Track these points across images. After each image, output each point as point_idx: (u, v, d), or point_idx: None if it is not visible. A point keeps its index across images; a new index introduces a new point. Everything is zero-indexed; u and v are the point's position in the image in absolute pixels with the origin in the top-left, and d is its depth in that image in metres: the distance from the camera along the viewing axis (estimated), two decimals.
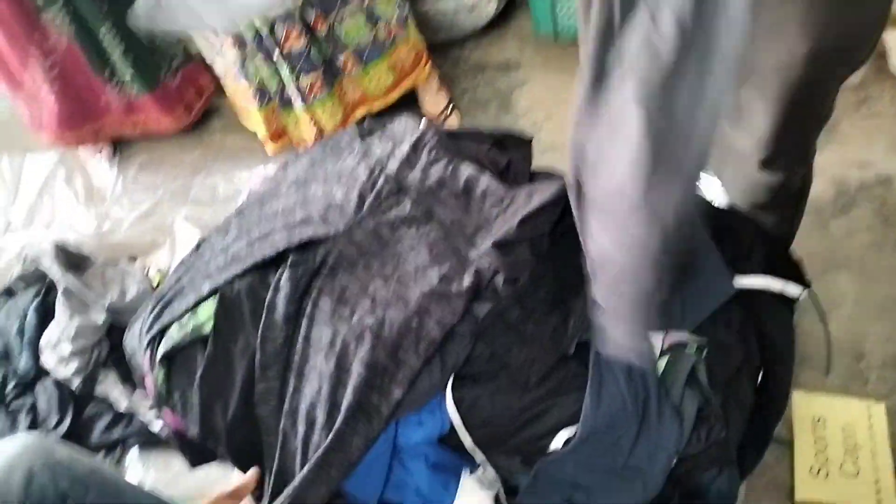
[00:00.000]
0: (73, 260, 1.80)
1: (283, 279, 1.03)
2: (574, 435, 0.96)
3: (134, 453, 1.73)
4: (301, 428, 0.97)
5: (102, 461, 1.24)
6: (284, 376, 0.99)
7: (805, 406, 1.53)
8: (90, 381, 1.73)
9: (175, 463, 1.68)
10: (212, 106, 2.33)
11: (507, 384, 0.99)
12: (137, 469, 1.69)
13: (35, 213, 2.23)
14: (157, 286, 1.76)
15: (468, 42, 2.25)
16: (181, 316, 1.05)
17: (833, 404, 1.53)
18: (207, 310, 1.04)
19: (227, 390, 1.00)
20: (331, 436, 0.93)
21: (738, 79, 1.04)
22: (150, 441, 1.73)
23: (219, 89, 2.22)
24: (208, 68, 2.20)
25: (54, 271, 1.70)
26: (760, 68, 0.97)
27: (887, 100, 1.93)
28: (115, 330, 1.72)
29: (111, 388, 1.72)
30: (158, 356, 1.05)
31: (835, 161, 1.84)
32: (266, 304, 1.03)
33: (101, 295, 1.72)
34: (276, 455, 0.98)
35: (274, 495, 1.01)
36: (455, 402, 0.99)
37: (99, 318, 1.67)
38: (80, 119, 2.19)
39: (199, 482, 1.63)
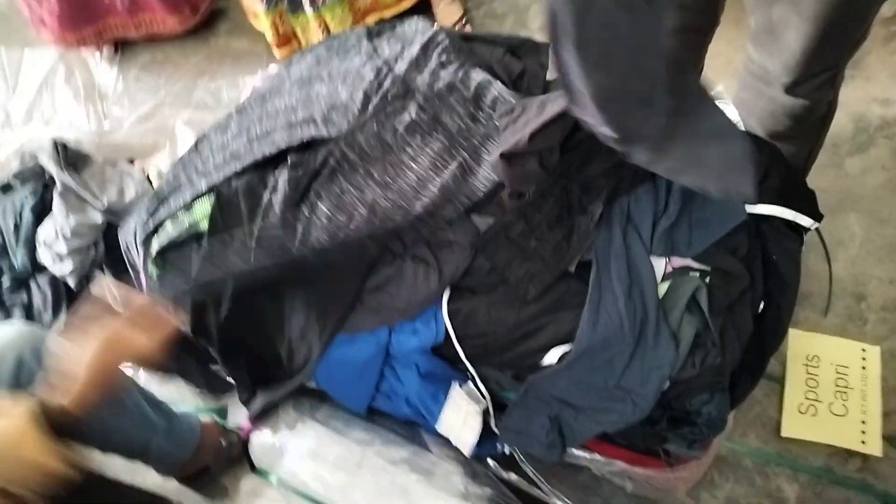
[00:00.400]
0: (72, 158, 1.76)
1: (282, 180, 1.00)
2: (568, 352, 0.95)
3: None
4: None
5: None
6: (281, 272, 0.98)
7: (800, 344, 1.53)
8: (86, 279, 1.73)
9: None
10: (218, 8, 2.25)
11: (505, 298, 0.97)
12: (128, 370, 1.71)
13: (34, 109, 2.18)
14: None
15: None
16: (176, 212, 1.03)
17: (828, 344, 1.52)
18: (204, 207, 1.02)
19: (221, 288, 0.99)
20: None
21: None
22: None
23: None
24: None
25: (52, 168, 1.67)
26: None
27: None
28: (112, 230, 1.70)
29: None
30: (153, 252, 1.03)
31: (857, 96, 1.78)
32: (263, 205, 1.01)
33: (99, 194, 1.69)
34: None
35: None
36: (451, 313, 0.98)
37: (96, 217, 1.65)
38: (82, 19, 2.11)
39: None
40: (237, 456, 1.50)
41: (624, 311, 0.93)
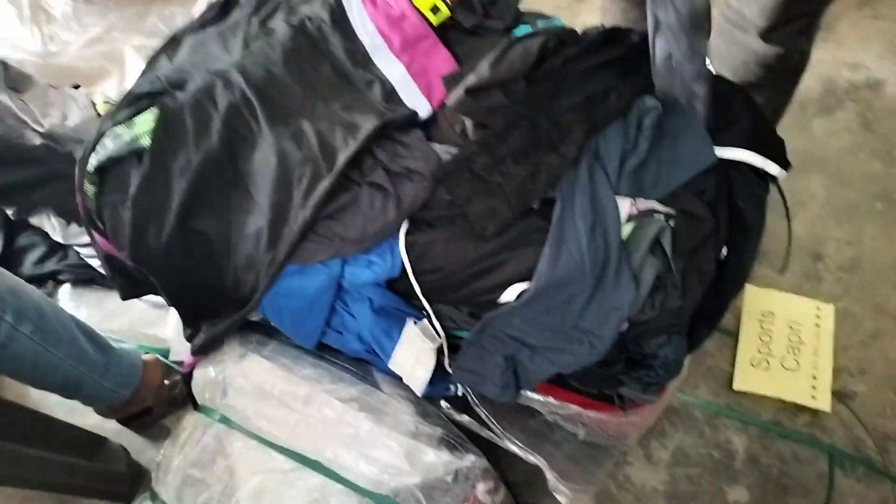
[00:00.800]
0: (14, 77, 1.65)
1: (221, 94, 0.95)
2: (527, 289, 0.92)
3: (66, 290, 1.68)
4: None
5: (26, 283, 1.17)
6: (229, 195, 0.93)
7: (756, 300, 1.54)
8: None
9: (108, 302, 1.63)
10: None
11: (464, 232, 0.93)
12: (69, 306, 1.64)
13: None
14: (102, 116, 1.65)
15: None
16: (118, 123, 0.96)
17: (784, 301, 1.53)
18: (146, 121, 0.95)
19: (162, 209, 0.93)
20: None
21: None
22: (83, 278, 1.66)
23: None
24: None
25: None
26: None
27: (892, 2, 1.84)
28: (53, 156, 1.61)
29: (46, 218, 1.63)
30: (90, 168, 0.96)
31: (827, 60, 1.78)
32: (210, 123, 0.95)
33: (40, 117, 1.59)
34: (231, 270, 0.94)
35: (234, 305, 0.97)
36: (407, 246, 0.94)
37: (35, 140, 1.55)
38: None
39: (132, 321, 1.59)
40: (180, 397, 1.45)
41: (586, 250, 0.90)
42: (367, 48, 1.03)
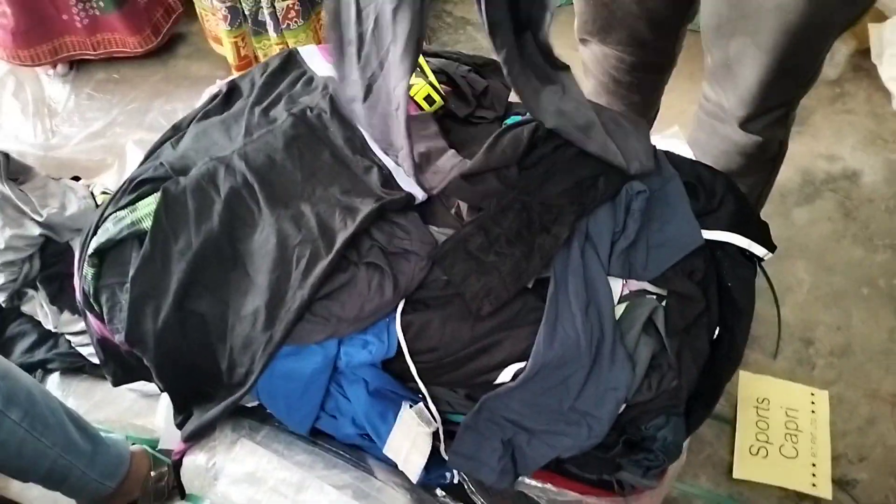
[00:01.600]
0: (14, 168, 1.69)
1: (223, 179, 0.98)
2: (523, 369, 0.92)
3: (55, 378, 1.65)
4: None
5: (17, 367, 1.16)
6: (227, 276, 0.94)
7: (750, 386, 1.53)
8: (18, 296, 1.64)
9: (97, 391, 1.60)
10: (179, 32, 2.23)
11: (460, 312, 0.94)
12: (57, 395, 1.61)
13: None
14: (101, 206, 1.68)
15: None
16: (121, 208, 0.98)
17: (778, 387, 1.53)
18: (149, 204, 0.97)
19: (160, 291, 0.93)
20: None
21: (730, 30, 1.03)
22: (72, 367, 1.64)
23: (187, 14, 2.12)
24: None
25: None
26: (756, 12, 0.94)
27: (862, 97, 1.94)
28: (50, 246, 1.63)
29: (38, 306, 1.63)
30: (90, 250, 0.97)
31: (804, 151, 1.85)
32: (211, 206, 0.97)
33: (39, 208, 1.62)
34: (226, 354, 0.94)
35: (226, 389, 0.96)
36: (404, 326, 0.94)
37: (34, 230, 1.58)
38: (37, 36, 2.04)
39: (120, 411, 1.55)
40: (167, 489, 1.40)
41: (581, 329, 0.91)
42: (365, 135, 1.07)
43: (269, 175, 1.00)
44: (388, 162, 1.06)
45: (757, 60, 1.01)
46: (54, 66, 2.17)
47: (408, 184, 1.05)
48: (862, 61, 1.95)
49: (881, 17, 1.75)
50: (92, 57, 2.14)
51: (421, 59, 1.13)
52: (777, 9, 0.92)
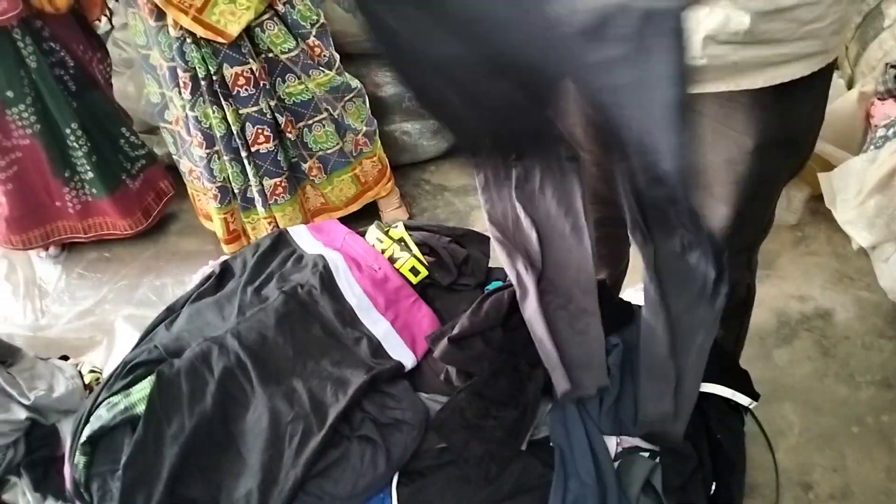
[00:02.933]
0: (2, 351, 1.70)
1: (216, 358, 1.00)
2: None
3: None
4: None
5: None
6: (219, 459, 0.93)
7: None
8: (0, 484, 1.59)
9: None
10: (170, 212, 2.32)
11: (457, 479, 0.94)
12: None
13: None
14: (89, 385, 1.67)
15: (430, 165, 2.35)
16: (114, 393, 0.99)
17: None
18: (143, 389, 0.98)
19: (152, 478, 0.92)
20: None
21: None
22: None
23: (177, 195, 2.22)
24: (169, 171, 2.21)
25: None
26: (710, 167, 1.02)
27: (823, 239, 2.05)
28: (36, 428, 1.60)
29: (21, 494, 1.58)
30: (82, 438, 0.97)
31: (776, 293, 1.92)
32: (205, 388, 0.99)
33: (26, 390, 1.61)
34: None
35: None
36: (400, 499, 0.93)
37: (21, 413, 1.56)
38: (30, 222, 2.11)
39: None
40: None
41: (588, 493, 0.91)
42: (355, 308, 1.12)
43: (262, 352, 1.03)
44: (376, 331, 1.10)
45: (716, 211, 1.08)
46: (46, 249, 2.23)
47: (397, 351, 1.08)
48: (818, 206, 2.06)
49: (828, 166, 1.89)
50: (83, 240, 2.20)
51: (405, 234, 1.20)
52: (727, 163, 1.00)
